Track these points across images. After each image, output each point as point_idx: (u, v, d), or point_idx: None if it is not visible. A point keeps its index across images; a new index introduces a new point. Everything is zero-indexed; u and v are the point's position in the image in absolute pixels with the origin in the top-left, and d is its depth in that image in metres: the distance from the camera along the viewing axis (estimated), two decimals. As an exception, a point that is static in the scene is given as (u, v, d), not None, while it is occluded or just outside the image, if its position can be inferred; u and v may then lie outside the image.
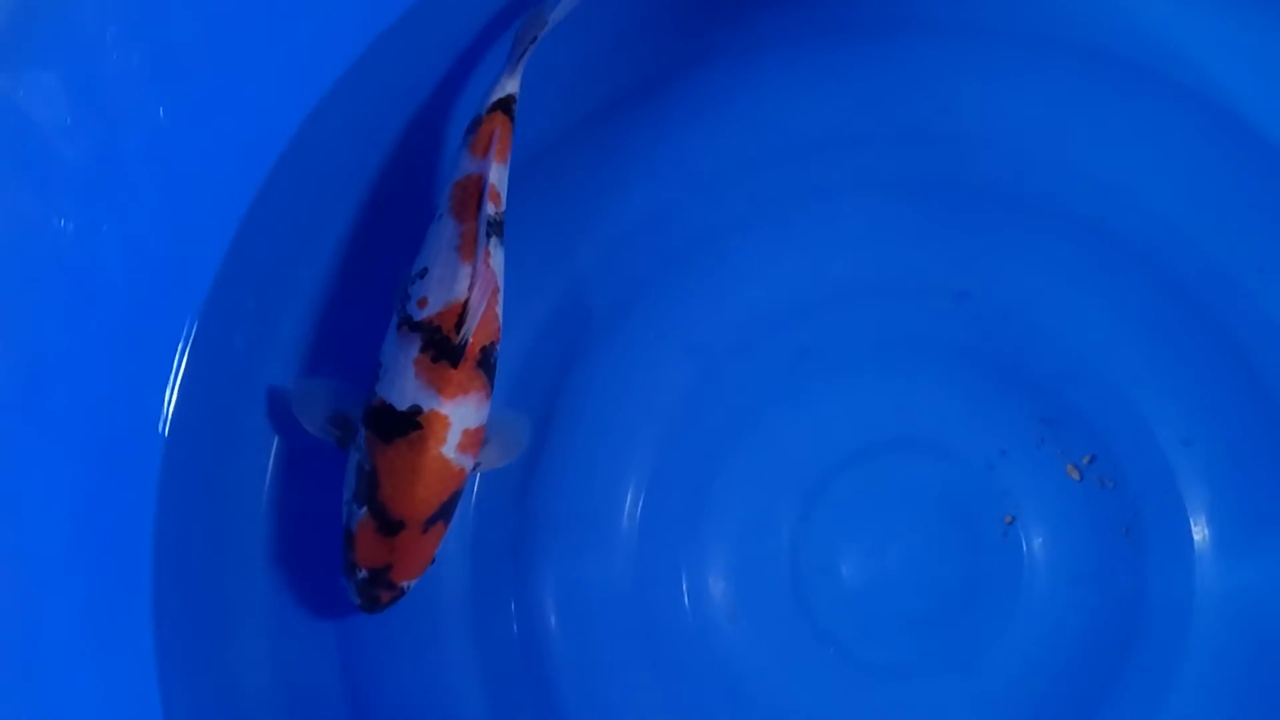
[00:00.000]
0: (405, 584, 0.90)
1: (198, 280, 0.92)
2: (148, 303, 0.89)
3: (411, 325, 0.88)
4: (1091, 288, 0.99)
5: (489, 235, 0.88)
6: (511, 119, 0.91)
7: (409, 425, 0.87)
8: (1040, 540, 0.98)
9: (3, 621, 0.81)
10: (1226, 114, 0.98)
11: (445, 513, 0.89)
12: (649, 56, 1.00)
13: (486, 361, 0.88)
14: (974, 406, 0.99)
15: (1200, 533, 0.98)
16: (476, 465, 0.92)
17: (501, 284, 0.90)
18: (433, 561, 0.91)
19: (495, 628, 0.97)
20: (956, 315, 0.99)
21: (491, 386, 0.89)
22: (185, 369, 0.91)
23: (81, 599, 0.85)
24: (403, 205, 0.97)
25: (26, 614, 0.83)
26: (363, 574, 0.89)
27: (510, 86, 0.91)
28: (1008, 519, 0.98)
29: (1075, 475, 0.99)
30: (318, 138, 0.94)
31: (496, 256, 0.90)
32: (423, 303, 0.88)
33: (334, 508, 0.92)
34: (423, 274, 0.89)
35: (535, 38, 0.92)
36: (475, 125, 0.91)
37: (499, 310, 0.90)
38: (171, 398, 0.91)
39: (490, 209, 0.89)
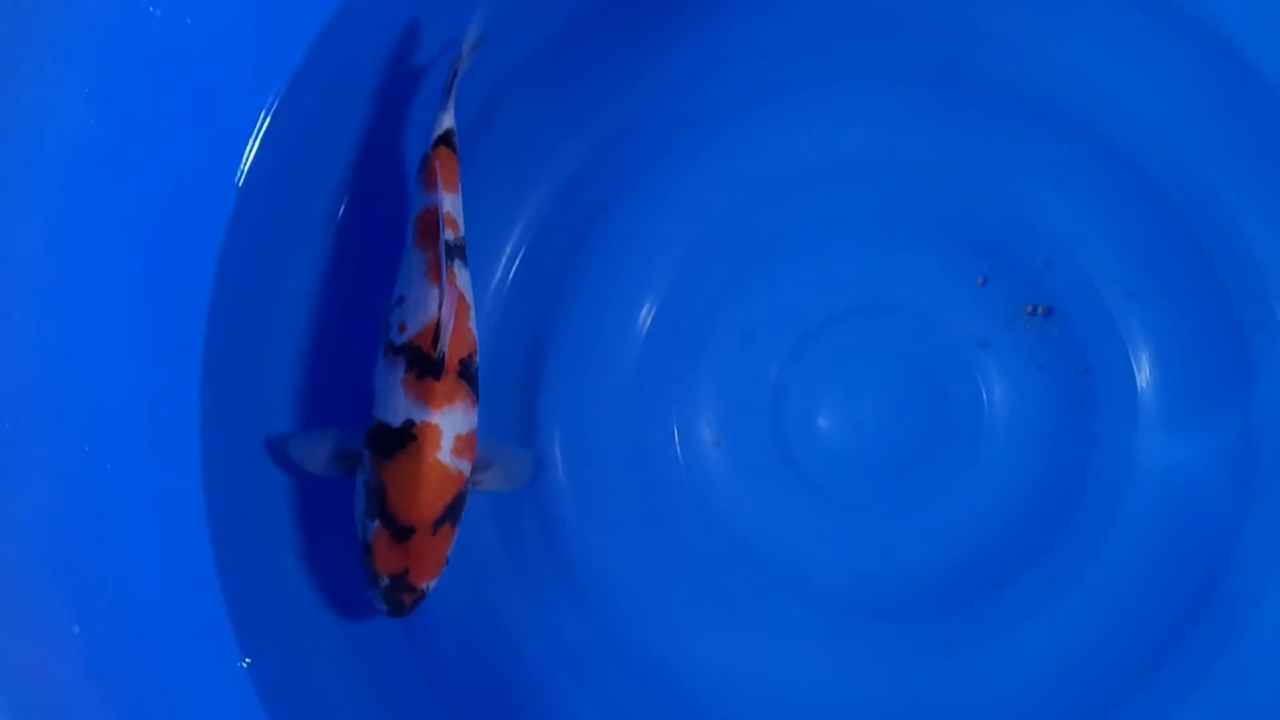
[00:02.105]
0: (424, 585, 0.96)
1: (269, 87, 1.01)
2: (222, 97, 0.98)
3: (395, 350, 0.95)
4: (1070, 180, 1.07)
5: (451, 259, 0.96)
6: (454, 150, 0.99)
7: (405, 438, 0.94)
8: (1001, 403, 1.07)
9: (61, 335, 0.91)
10: (1211, 31, 1.04)
11: (452, 514, 0.96)
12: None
13: (467, 372, 0.96)
14: (952, 279, 1.08)
15: (1146, 407, 1.06)
16: (479, 483, 0.99)
17: (471, 300, 0.98)
18: (447, 563, 0.97)
19: None
20: (945, 195, 1.08)
21: (476, 395, 0.97)
22: (254, 158, 0.99)
23: (139, 327, 0.95)
24: (377, 235, 1.05)
25: (85, 334, 0.92)
26: (385, 581, 0.96)
27: (446, 121, 0.99)
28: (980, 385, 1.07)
29: (1029, 310, 1.07)
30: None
31: (462, 277, 0.97)
32: (402, 328, 0.95)
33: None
34: (399, 302, 0.96)
35: (457, 71, 0.99)
36: (424, 163, 0.99)
37: (471, 325, 0.97)
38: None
39: (449, 235, 0.96)
